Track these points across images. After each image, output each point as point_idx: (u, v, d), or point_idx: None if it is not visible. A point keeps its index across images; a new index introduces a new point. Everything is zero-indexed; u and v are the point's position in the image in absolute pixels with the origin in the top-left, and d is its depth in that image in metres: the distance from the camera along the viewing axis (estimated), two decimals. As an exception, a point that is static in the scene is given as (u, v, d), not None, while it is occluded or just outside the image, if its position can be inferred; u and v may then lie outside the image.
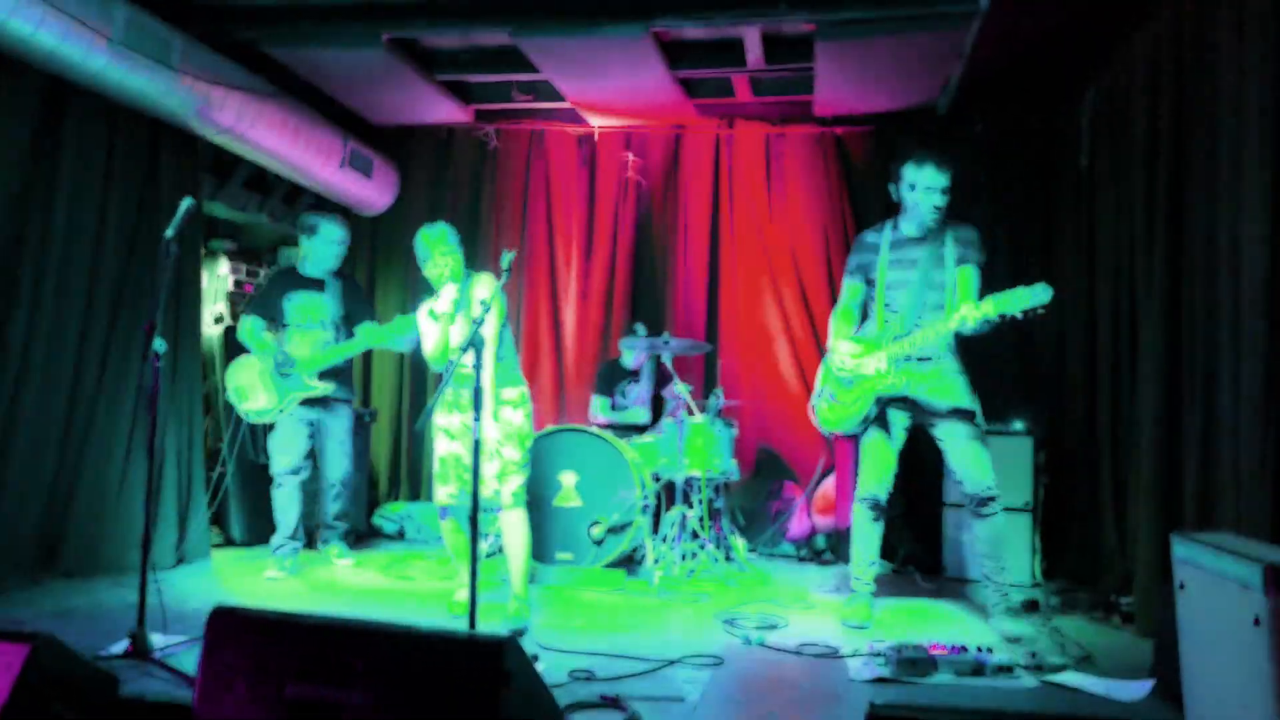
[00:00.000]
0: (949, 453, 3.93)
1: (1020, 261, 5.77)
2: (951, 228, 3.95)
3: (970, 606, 4.36)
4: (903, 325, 3.89)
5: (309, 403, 4.90)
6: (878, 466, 4.05)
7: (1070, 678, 3.16)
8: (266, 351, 4.83)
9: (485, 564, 4.54)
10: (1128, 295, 4.41)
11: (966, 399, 3.90)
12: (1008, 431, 5.06)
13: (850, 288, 4.15)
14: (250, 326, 4.90)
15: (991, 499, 3.85)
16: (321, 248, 5.06)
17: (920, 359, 3.88)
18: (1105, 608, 4.17)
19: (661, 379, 5.88)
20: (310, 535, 5.15)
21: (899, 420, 4.03)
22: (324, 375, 4.90)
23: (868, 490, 4.07)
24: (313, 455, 5.05)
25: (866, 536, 4.10)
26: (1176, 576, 2.53)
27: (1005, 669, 3.16)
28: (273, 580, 4.65)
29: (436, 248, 3.95)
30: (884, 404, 3.99)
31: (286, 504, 4.87)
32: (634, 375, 5.95)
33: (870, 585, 4.12)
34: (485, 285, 3.92)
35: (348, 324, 5.05)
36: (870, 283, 4.06)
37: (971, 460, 3.87)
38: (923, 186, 3.87)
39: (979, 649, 3.24)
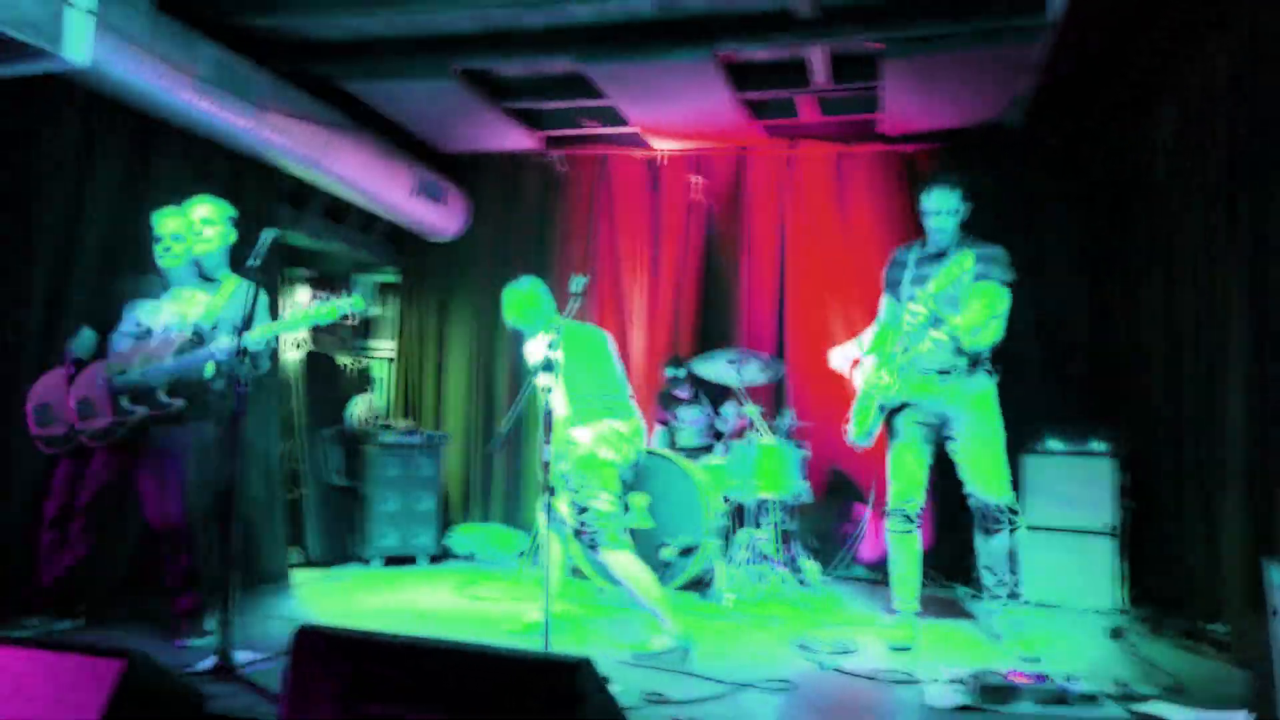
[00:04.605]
0: (958, 464, 3.91)
1: (1096, 275, 5.65)
2: (975, 246, 3.90)
3: (1050, 631, 4.23)
4: (911, 338, 3.91)
5: None
6: (901, 478, 4.03)
7: (1159, 708, 3.04)
8: None
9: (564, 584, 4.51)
10: (1211, 308, 4.27)
11: (971, 405, 3.86)
12: (1087, 452, 4.93)
13: (883, 303, 4.24)
14: None
15: (1000, 518, 3.81)
16: None
17: (940, 371, 3.89)
18: (1195, 635, 4.02)
19: (721, 399, 5.87)
20: None
21: (912, 430, 3.99)
22: None
23: (893, 502, 4.05)
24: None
25: (899, 553, 4.07)
26: (1271, 603, 2.43)
27: (1090, 698, 3.06)
28: None
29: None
30: (891, 413, 4.02)
31: None
32: (686, 401, 5.95)
33: (913, 605, 4.05)
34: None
35: None
36: (899, 297, 4.10)
37: (978, 471, 3.84)
38: (930, 212, 3.97)
39: (1064, 677, 3.15)
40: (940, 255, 3.95)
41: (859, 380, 4.17)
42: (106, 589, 4.35)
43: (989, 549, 3.89)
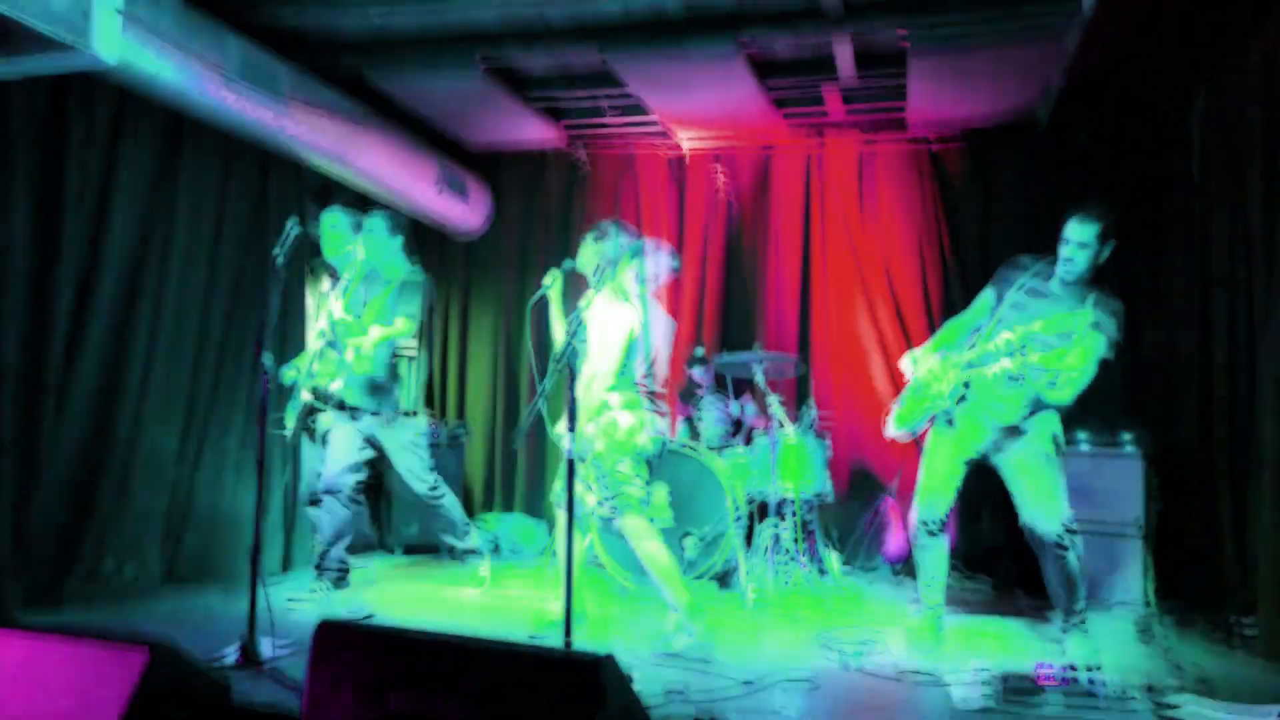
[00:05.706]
0: (1009, 486, 3.76)
1: (1124, 272, 5.56)
2: (1099, 296, 3.62)
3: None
4: (985, 357, 3.71)
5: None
6: (931, 483, 3.93)
7: (1189, 705, 3.00)
8: None
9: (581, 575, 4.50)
10: (1245, 306, 4.20)
11: (1023, 421, 3.69)
12: (1116, 448, 4.86)
13: (981, 296, 3.99)
14: None
15: (1058, 544, 3.61)
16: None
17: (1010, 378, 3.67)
18: (1226, 632, 3.97)
19: (742, 394, 5.84)
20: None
21: (956, 437, 3.86)
22: None
23: (918, 510, 3.95)
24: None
25: (924, 557, 4.00)
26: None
27: (1118, 695, 3.03)
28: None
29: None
30: (936, 420, 3.91)
31: None
32: (708, 395, 5.92)
33: (938, 603, 4.00)
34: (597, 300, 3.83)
35: None
36: (1000, 299, 3.88)
37: (1033, 494, 3.67)
38: (1063, 238, 3.65)
39: (1091, 674, 3.11)
40: (1058, 285, 3.70)
41: (916, 371, 3.97)
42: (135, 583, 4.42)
43: (1050, 574, 3.72)
